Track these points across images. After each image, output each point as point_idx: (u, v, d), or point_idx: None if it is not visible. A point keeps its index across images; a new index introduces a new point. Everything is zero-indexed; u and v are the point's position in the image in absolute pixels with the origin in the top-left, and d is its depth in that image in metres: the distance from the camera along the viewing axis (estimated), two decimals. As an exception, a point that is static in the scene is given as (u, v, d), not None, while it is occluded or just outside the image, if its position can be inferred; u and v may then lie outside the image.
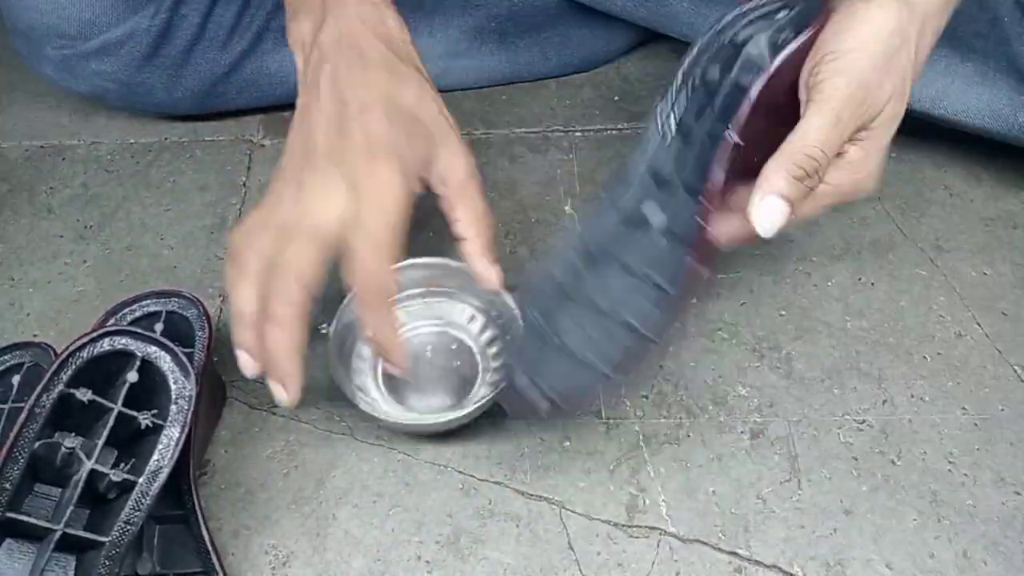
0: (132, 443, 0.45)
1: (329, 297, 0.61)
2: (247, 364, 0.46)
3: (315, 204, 0.44)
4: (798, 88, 0.43)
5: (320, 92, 0.46)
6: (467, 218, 0.48)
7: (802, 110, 0.42)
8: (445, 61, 0.74)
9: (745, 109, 0.42)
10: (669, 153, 0.47)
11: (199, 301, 0.53)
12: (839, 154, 0.42)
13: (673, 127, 0.46)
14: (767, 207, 0.40)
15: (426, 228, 0.65)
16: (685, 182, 0.45)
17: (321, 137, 0.45)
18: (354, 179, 0.43)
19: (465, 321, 0.58)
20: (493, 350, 0.57)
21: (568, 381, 0.46)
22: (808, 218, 0.44)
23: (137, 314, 0.53)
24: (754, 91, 0.41)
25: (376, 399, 0.55)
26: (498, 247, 0.63)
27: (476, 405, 0.50)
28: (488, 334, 0.57)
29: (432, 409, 0.54)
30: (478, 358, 0.57)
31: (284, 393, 0.45)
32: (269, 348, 0.43)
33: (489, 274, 0.49)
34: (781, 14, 0.46)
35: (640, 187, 0.47)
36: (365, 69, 0.46)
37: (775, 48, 0.43)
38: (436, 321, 0.58)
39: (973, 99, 0.64)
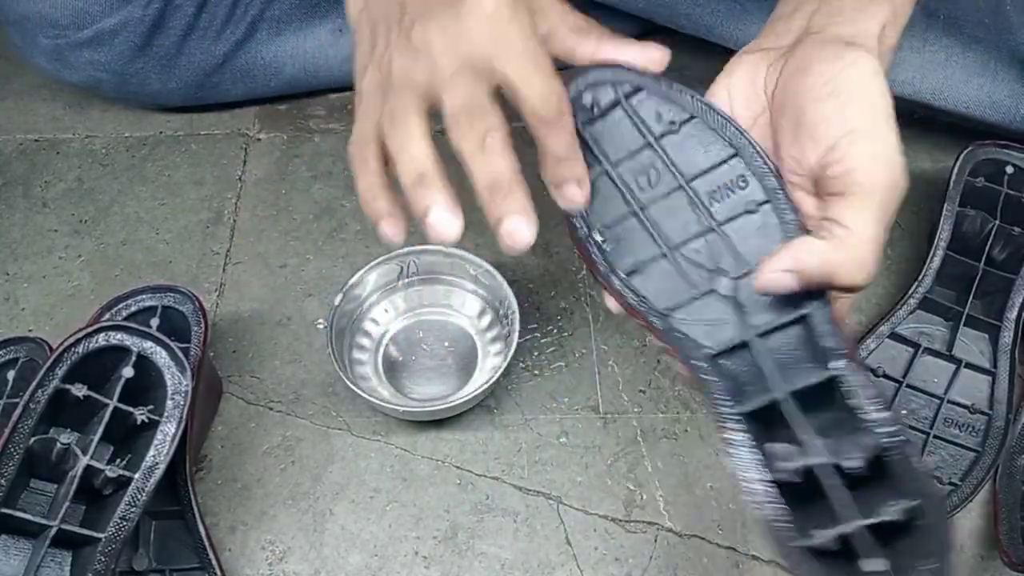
0: (128, 439, 0.44)
1: (325, 293, 0.61)
2: (448, 226, 0.37)
3: (452, 45, 0.37)
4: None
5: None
6: (578, 31, 0.41)
7: (817, 201, 0.37)
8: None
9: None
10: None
11: (195, 296, 0.52)
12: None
13: None
14: (777, 280, 0.36)
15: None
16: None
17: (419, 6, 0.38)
18: (484, 12, 0.37)
19: (465, 308, 0.58)
20: (492, 335, 0.57)
21: None
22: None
23: (132, 309, 0.52)
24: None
25: (376, 387, 0.55)
26: (496, 241, 0.63)
27: (477, 391, 0.50)
28: (487, 320, 0.57)
29: (432, 396, 0.54)
30: (478, 344, 0.57)
31: (527, 228, 0.36)
32: (499, 179, 0.36)
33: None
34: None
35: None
36: None
37: None
38: (437, 308, 0.58)
39: (974, 90, 0.64)
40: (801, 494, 0.33)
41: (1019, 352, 0.55)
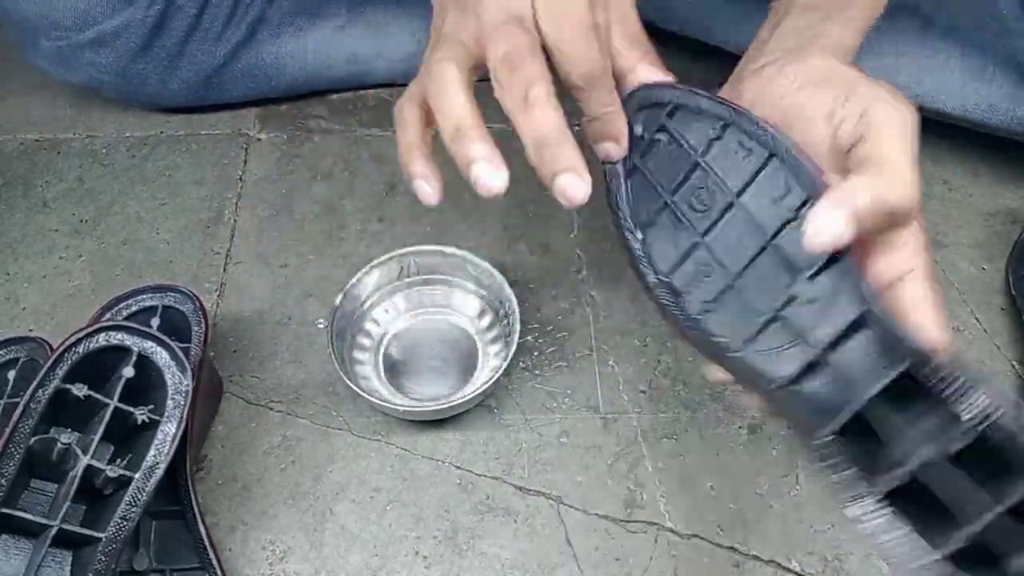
0: (128, 438, 0.44)
1: (325, 293, 0.61)
2: (491, 179, 0.36)
3: (502, 4, 0.37)
4: None
5: None
6: (629, 37, 0.41)
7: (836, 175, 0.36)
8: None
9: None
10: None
11: (195, 296, 0.53)
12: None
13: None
14: (833, 219, 0.34)
15: (423, 220, 0.65)
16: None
17: None
18: None
19: (465, 308, 0.58)
20: (492, 335, 0.57)
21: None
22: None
23: (133, 309, 0.52)
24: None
25: (377, 387, 0.55)
26: (498, 240, 0.63)
27: (477, 391, 0.50)
28: (487, 320, 0.57)
29: (433, 396, 0.54)
30: (478, 344, 0.57)
31: (582, 183, 0.36)
32: (548, 134, 0.36)
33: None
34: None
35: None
36: None
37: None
38: (437, 308, 0.58)
39: (972, 93, 0.64)
40: (916, 504, 0.31)
41: None
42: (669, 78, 0.40)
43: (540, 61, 0.36)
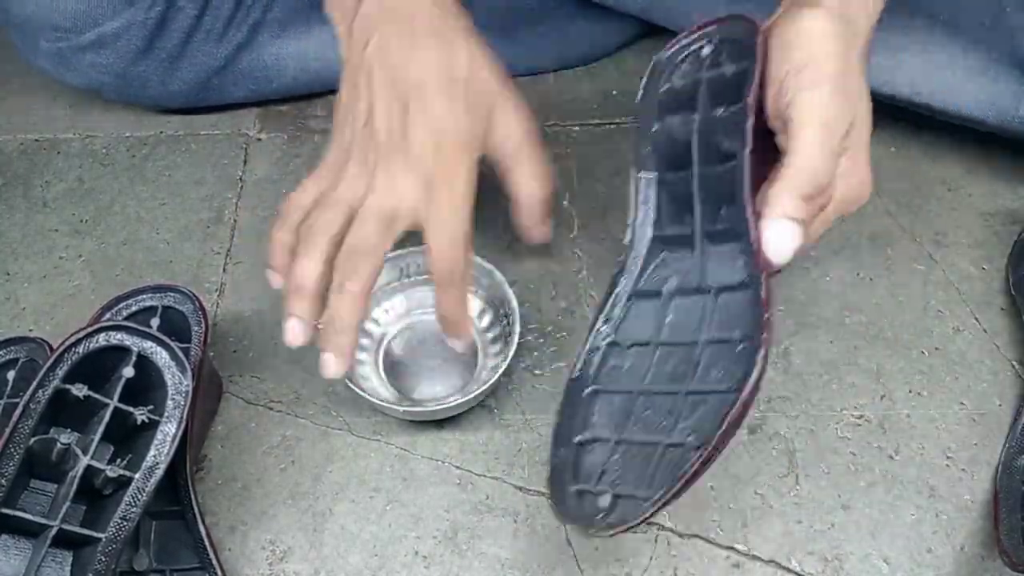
0: (128, 439, 0.44)
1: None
2: (297, 335, 0.47)
3: (389, 190, 0.45)
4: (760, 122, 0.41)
5: (371, 69, 0.46)
6: (524, 175, 0.49)
7: (782, 137, 0.40)
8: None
9: (749, 122, 0.40)
10: (666, 218, 0.45)
11: (195, 296, 0.53)
12: None
13: (653, 190, 0.46)
14: (778, 231, 0.38)
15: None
16: (705, 231, 0.43)
17: (382, 121, 0.46)
18: (425, 172, 0.45)
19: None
20: (492, 335, 0.57)
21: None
22: (816, 240, 0.43)
23: (133, 309, 0.52)
24: (749, 98, 0.40)
25: (377, 387, 0.55)
26: (498, 240, 0.63)
27: (477, 391, 0.50)
28: (487, 320, 0.57)
29: (433, 396, 0.54)
30: (478, 344, 0.57)
31: (335, 365, 0.46)
32: (336, 320, 0.45)
33: (540, 232, 0.50)
34: (706, 50, 0.44)
35: (654, 265, 0.46)
36: (414, 39, 0.46)
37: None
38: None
39: (974, 91, 0.64)
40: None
41: None
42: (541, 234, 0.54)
43: (375, 262, 0.45)
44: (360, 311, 0.46)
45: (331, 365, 0.46)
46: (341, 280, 0.45)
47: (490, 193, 0.66)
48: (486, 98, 0.47)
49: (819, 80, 0.39)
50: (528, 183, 0.50)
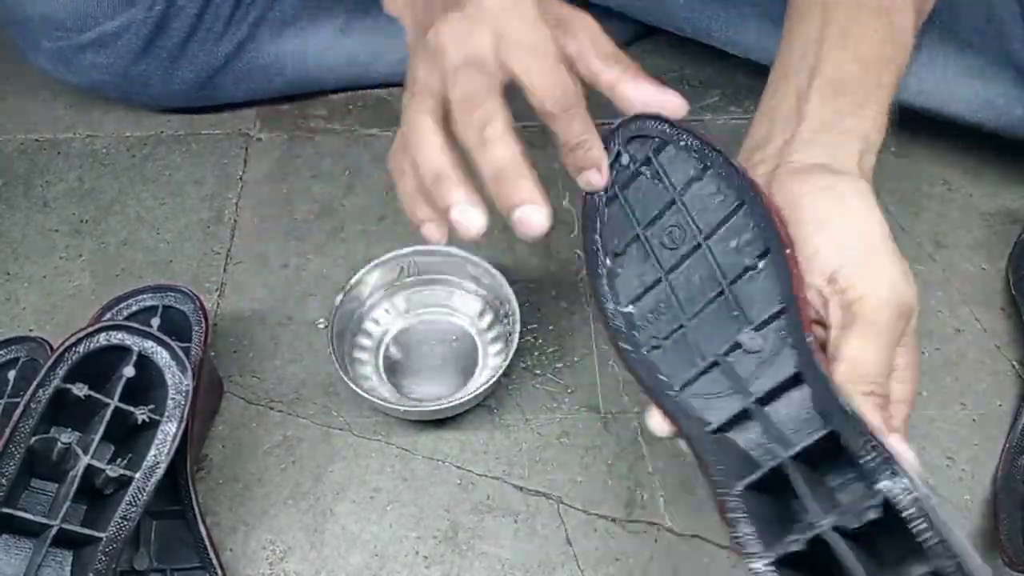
0: (129, 438, 0.44)
1: (325, 293, 0.61)
2: (476, 219, 0.37)
3: (465, 47, 0.39)
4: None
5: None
6: (605, 57, 0.41)
7: (831, 327, 0.36)
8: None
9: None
10: None
11: (195, 295, 0.53)
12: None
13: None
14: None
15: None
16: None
17: (439, 9, 0.40)
18: (486, 9, 0.39)
19: (465, 308, 0.58)
20: (492, 335, 0.57)
21: None
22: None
23: (133, 309, 0.52)
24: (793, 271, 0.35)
25: (377, 387, 0.55)
26: (498, 240, 0.63)
27: (477, 391, 0.50)
28: (488, 320, 0.57)
29: (433, 396, 0.54)
30: (478, 344, 0.57)
31: (539, 214, 0.37)
32: (504, 169, 0.37)
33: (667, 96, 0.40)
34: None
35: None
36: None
37: None
38: (438, 308, 0.58)
39: (970, 93, 0.64)
40: (812, 572, 0.31)
41: None
42: (656, 89, 0.40)
43: (496, 100, 0.38)
44: (517, 147, 0.37)
45: (536, 217, 0.36)
46: (477, 132, 0.37)
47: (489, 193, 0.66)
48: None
49: (882, 281, 0.35)
50: (609, 65, 0.41)
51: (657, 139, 0.39)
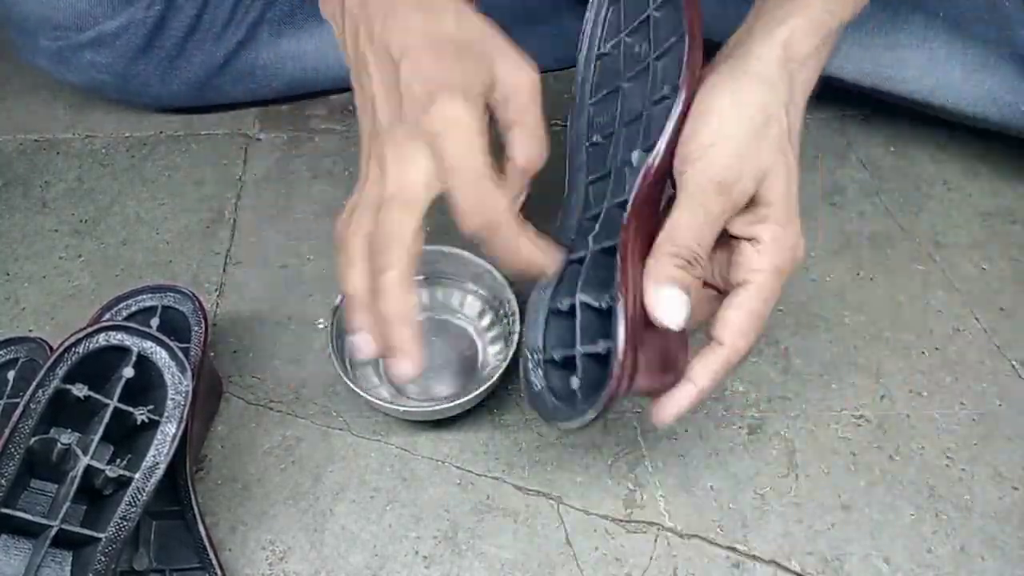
0: (128, 439, 0.44)
1: (325, 293, 0.61)
2: (365, 347, 0.43)
3: (399, 166, 0.42)
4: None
5: (365, 58, 0.44)
6: (526, 135, 0.45)
7: (676, 200, 0.41)
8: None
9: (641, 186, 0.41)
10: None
11: (195, 296, 0.53)
12: (751, 240, 0.42)
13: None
14: (665, 297, 0.39)
15: (425, 220, 0.65)
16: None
17: (381, 103, 0.43)
18: (427, 128, 0.41)
19: (465, 308, 0.58)
20: (492, 335, 0.57)
21: None
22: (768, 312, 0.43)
23: (133, 309, 0.52)
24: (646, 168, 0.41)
25: (377, 387, 0.55)
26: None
27: (477, 391, 0.50)
28: (488, 320, 0.57)
29: (433, 396, 0.54)
30: (478, 345, 0.57)
31: (407, 366, 0.41)
32: (387, 317, 0.41)
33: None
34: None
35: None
36: (394, 11, 0.43)
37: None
38: (437, 308, 0.58)
39: (974, 87, 0.64)
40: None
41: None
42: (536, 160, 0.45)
43: (402, 247, 0.41)
44: (407, 299, 0.41)
45: (402, 369, 0.41)
46: (377, 275, 0.41)
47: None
48: (481, 52, 0.44)
49: (712, 166, 0.40)
50: (527, 144, 0.45)
51: None
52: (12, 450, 0.40)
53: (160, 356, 0.45)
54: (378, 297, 0.41)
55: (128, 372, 0.44)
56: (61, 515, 0.40)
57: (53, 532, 0.40)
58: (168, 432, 0.43)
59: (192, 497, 0.47)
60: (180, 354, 0.45)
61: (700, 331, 0.43)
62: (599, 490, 0.51)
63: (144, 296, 0.53)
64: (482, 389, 0.51)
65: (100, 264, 0.63)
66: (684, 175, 0.40)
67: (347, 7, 0.45)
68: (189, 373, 0.45)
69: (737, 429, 0.54)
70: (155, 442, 0.43)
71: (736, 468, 0.52)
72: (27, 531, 0.41)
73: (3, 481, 0.40)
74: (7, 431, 0.40)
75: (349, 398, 0.55)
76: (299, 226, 0.65)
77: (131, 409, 0.43)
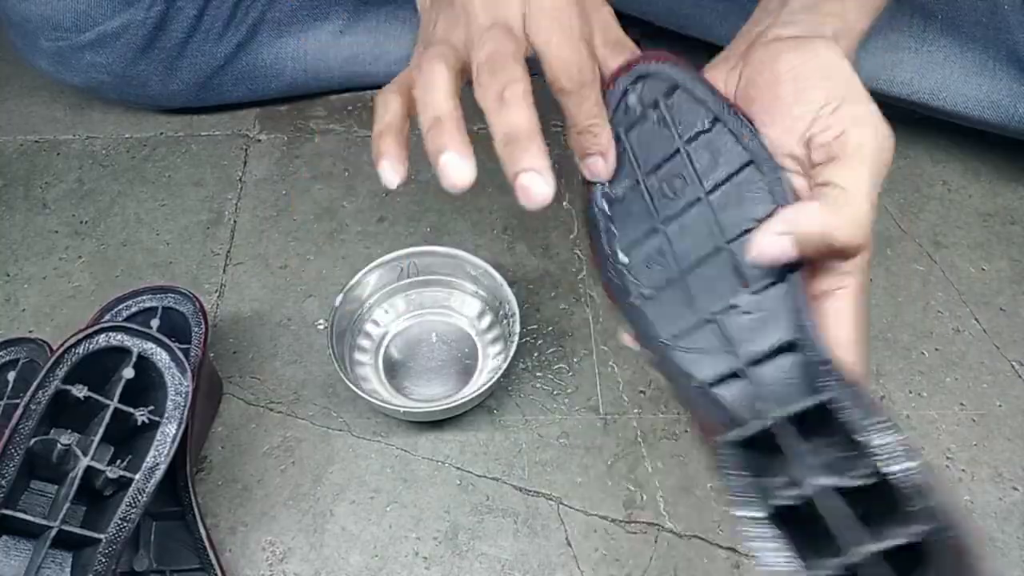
0: (128, 439, 0.44)
1: (325, 294, 0.61)
2: (462, 170, 0.36)
3: (496, 6, 0.38)
4: None
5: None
6: (611, 44, 0.42)
7: (811, 178, 0.36)
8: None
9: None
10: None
11: (195, 296, 0.53)
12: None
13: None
14: (772, 242, 0.35)
15: (423, 221, 0.65)
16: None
17: None
18: None
19: (464, 308, 0.58)
20: (492, 336, 0.57)
21: None
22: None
23: (133, 310, 0.52)
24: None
25: (377, 388, 0.55)
26: (498, 240, 0.63)
27: (478, 391, 0.50)
28: (487, 320, 0.57)
29: (433, 396, 0.54)
30: (478, 345, 0.57)
31: (542, 183, 0.35)
32: (516, 131, 0.36)
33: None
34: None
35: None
36: None
37: None
38: (437, 309, 0.59)
39: (972, 90, 0.64)
40: (804, 528, 0.30)
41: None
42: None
43: (520, 65, 0.37)
44: (534, 115, 0.36)
45: (539, 186, 0.35)
46: (497, 93, 0.36)
47: (489, 193, 0.66)
48: None
49: (865, 116, 0.36)
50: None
51: (667, 83, 0.38)
52: (12, 451, 0.40)
53: (160, 357, 0.45)
54: (505, 114, 0.36)
55: (128, 373, 0.44)
56: (61, 516, 0.40)
57: (53, 533, 0.40)
58: (168, 433, 0.43)
59: (192, 498, 0.47)
60: (180, 355, 0.45)
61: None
62: (599, 491, 0.51)
63: (144, 297, 0.53)
64: (482, 389, 0.51)
65: (100, 265, 0.63)
66: (838, 135, 0.35)
67: None
68: (189, 374, 0.45)
69: (737, 429, 0.54)
70: (155, 443, 0.43)
71: (736, 468, 0.52)
72: (27, 532, 0.41)
73: (3, 482, 0.40)
74: (7, 432, 0.40)
75: (349, 399, 0.55)
76: (299, 227, 0.65)
77: (131, 410, 0.43)
